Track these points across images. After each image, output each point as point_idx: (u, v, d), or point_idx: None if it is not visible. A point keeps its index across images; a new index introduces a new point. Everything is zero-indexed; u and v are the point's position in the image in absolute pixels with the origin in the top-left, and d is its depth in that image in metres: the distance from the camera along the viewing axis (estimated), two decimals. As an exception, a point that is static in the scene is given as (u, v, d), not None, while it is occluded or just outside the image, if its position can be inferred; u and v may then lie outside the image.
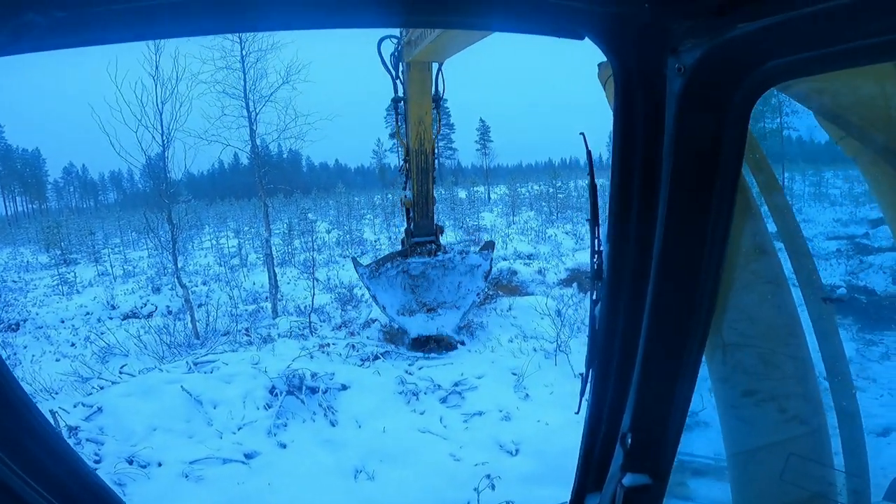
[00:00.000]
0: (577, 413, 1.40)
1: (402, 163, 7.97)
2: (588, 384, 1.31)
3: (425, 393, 6.05)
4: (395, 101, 7.62)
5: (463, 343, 7.99)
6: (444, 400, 6.02)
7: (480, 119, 59.39)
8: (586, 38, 0.98)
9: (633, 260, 1.10)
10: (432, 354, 7.50)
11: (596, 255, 1.23)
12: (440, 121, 7.66)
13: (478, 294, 8.17)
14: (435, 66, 7.23)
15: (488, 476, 4.04)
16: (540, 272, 12.84)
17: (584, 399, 1.38)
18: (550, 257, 15.34)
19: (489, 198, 36.83)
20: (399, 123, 7.80)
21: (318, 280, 13.85)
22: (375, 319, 9.62)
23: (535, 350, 7.56)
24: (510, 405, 5.89)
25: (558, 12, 0.94)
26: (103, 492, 1.29)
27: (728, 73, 0.89)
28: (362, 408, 5.57)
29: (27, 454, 1.10)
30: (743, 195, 1.19)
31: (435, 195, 8.09)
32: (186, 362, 6.51)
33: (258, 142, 11.59)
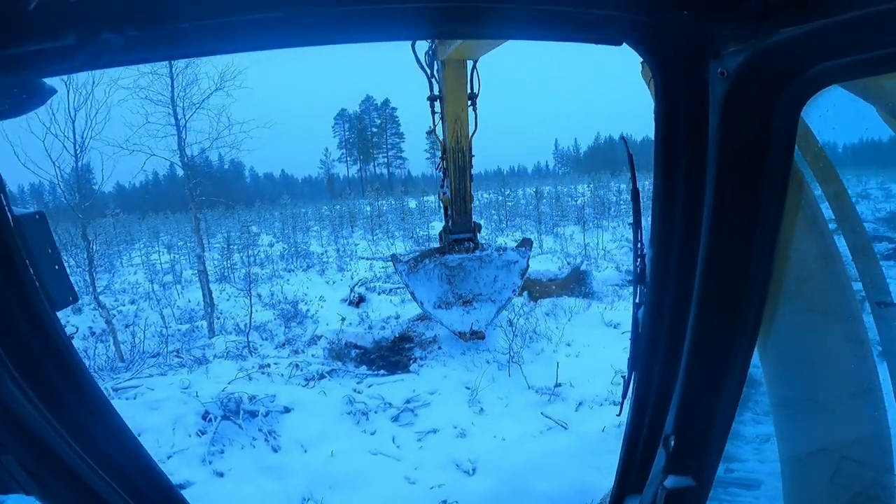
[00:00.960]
0: (619, 415, 1.41)
1: (439, 161, 7.93)
2: (630, 386, 1.32)
3: (375, 412, 5.71)
4: (431, 99, 7.56)
5: (440, 347, 7.85)
6: (395, 418, 5.70)
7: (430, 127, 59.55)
8: (624, 44, 0.99)
9: (678, 263, 1.09)
10: (381, 371, 7.16)
11: (639, 259, 1.23)
12: (476, 119, 7.57)
13: (513, 290, 8.02)
14: (469, 63, 7.17)
15: (444, 502, 3.77)
16: (491, 282, 12.76)
17: (625, 401, 1.38)
18: (501, 266, 15.33)
19: (439, 207, 36.69)
20: (435, 122, 7.73)
21: (259, 296, 13.11)
22: (321, 336, 9.15)
23: (487, 362, 7.40)
24: (465, 421, 5.66)
25: (595, 20, 0.95)
26: (167, 488, 1.38)
27: (774, 77, 0.88)
28: (308, 431, 5.16)
29: (98, 446, 1.19)
30: (800, 195, 1.17)
31: (472, 193, 7.97)
32: (105, 388, 5.83)
33: (188, 151, 10.83)
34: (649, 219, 1.20)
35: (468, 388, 6.53)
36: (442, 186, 7.85)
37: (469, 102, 7.31)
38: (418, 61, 7.18)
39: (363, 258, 18.38)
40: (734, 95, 0.89)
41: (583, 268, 12.35)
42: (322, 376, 6.64)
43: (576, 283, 11.19)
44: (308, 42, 1.03)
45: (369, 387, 6.47)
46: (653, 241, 1.13)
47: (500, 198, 28.53)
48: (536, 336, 8.30)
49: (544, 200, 24.90)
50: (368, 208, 31.13)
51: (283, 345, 8.98)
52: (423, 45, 7.20)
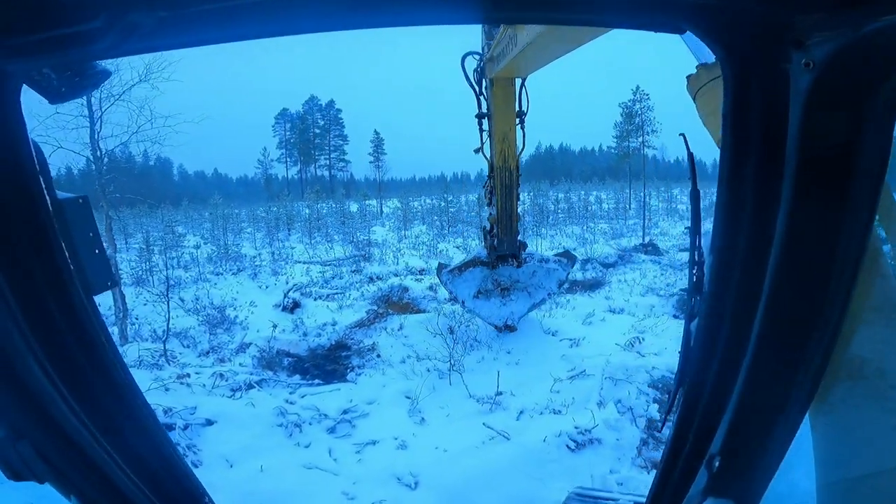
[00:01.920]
0: (661, 432, 1.36)
1: (486, 180, 7.77)
2: (676, 403, 1.25)
3: (310, 423, 5.35)
4: (479, 116, 7.39)
5: (379, 355, 7.62)
6: (332, 430, 5.37)
7: (375, 131, 59.04)
8: (688, 33, 0.91)
9: (743, 275, 1.00)
10: (317, 381, 6.76)
11: (696, 267, 1.14)
12: (524, 137, 7.42)
13: (548, 294, 8.21)
14: (518, 81, 7.01)
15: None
16: (431, 288, 12.56)
17: (668, 418, 1.31)
18: (442, 273, 15.22)
19: (381, 211, 36.26)
20: (483, 140, 7.51)
21: (182, 300, 12.14)
22: (251, 343, 8.57)
23: (428, 370, 7.19)
24: (405, 432, 5.42)
25: (655, 4, 0.89)
26: (194, 486, 1.40)
27: (871, 70, 0.79)
28: (233, 445, 4.72)
29: (122, 437, 1.18)
30: (887, 208, 1.08)
31: (519, 212, 7.90)
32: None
33: (103, 145, 9.87)
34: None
35: (408, 398, 6.30)
36: (489, 204, 7.81)
37: (517, 120, 7.22)
38: (467, 78, 7.13)
39: (300, 262, 17.63)
40: (821, 90, 0.80)
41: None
42: (250, 386, 6.16)
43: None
44: (345, 26, 0.98)
45: (303, 397, 6.07)
46: (714, 249, 1.03)
47: (443, 203, 28.57)
48: (477, 344, 8.21)
49: (485, 207, 25.16)
50: (307, 211, 30.12)
51: (207, 353, 8.33)
52: (470, 63, 7.18)
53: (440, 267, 8.63)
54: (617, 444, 5.21)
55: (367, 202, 34.20)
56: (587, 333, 8.70)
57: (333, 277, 14.79)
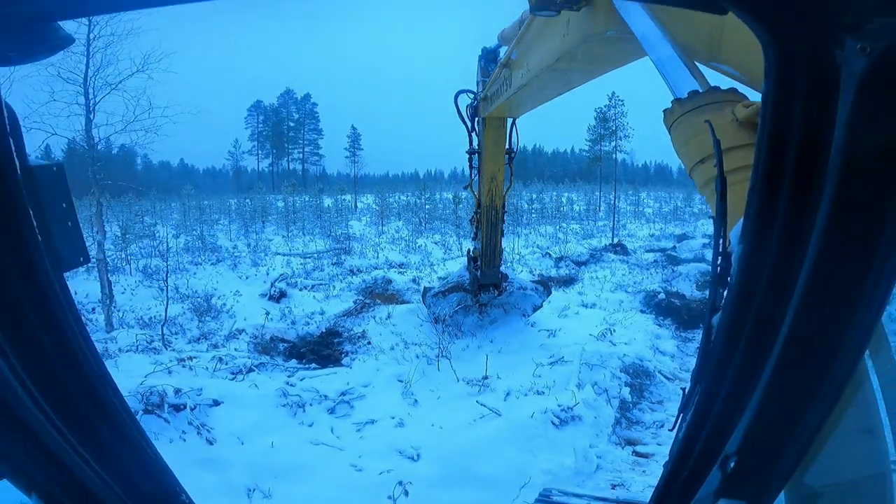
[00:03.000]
0: (672, 430, 1.29)
1: (473, 214, 8.03)
2: (692, 400, 1.19)
3: (311, 404, 5.65)
4: (470, 153, 7.54)
5: (370, 342, 7.91)
6: (332, 410, 5.69)
7: (352, 126, 58.49)
8: (730, 12, 0.84)
9: (775, 268, 0.95)
10: (313, 365, 7.06)
11: (722, 257, 1.08)
12: (512, 175, 7.61)
13: (523, 314, 8.69)
14: (509, 121, 7.10)
15: (400, 482, 3.89)
16: (414, 280, 12.94)
17: (682, 415, 1.25)
18: (422, 266, 15.58)
19: (356, 207, 36.23)
20: (472, 176, 7.72)
21: (161, 290, 12.13)
22: (242, 330, 8.77)
23: (417, 357, 7.58)
24: (401, 412, 5.80)
25: None
26: (168, 483, 1.27)
27: None
28: (242, 423, 4.99)
29: (98, 438, 1.07)
30: None
31: (503, 246, 8.29)
32: None
33: (97, 133, 9.84)
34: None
35: (401, 381, 6.66)
36: (474, 239, 8.10)
37: (506, 157, 7.41)
38: (460, 114, 7.24)
39: (279, 254, 17.68)
40: (878, 76, 0.76)
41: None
42: (250, 369, 6.41)
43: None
44: None
45: (302, 380, 6.36)
46: (745, 238, 0.98)
47: (419, 201, 28.85)
48: (461, 334, 8.63)
49: (461, 205, 25.59)
50: (281, 203, 29.89)
51: (198, 339, 8.48)
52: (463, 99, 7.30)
53: (425, 291, 9.06)
54: (595, 422, 5.74)
55: (342, 197, 34.12)
56: (563, 325, 9.28)
57: (314, 269, 14.96)
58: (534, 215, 30.25)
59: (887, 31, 0.73)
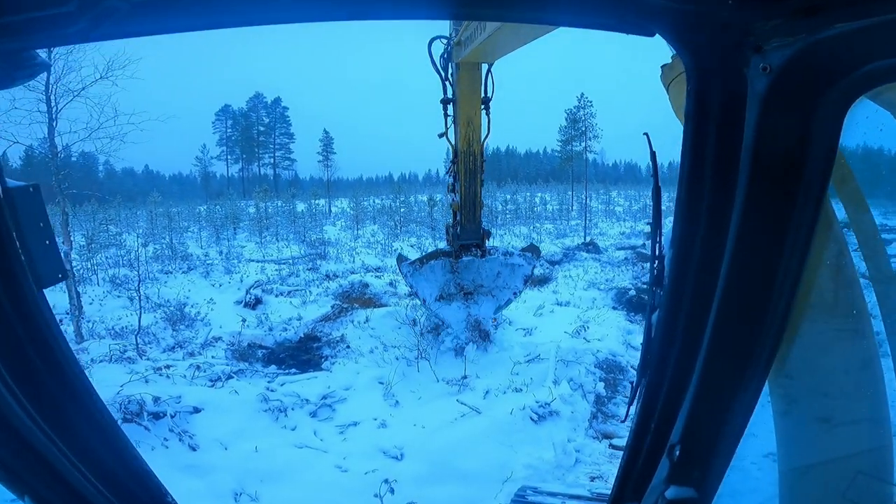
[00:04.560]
0: (624, 422, 1.34)
1: (449, 165, 7.68)
2: (638, 393, 1.26)
3: (293, 408, 5.68)
4: (444, 101, 7.33)
5: (349, 346, 7.76)
6: (314, 414, 5.73)
7: (324, 130, 57.92)
8: (657, 36, 0.94)
9: (699, 268, 1.04)
10: (293, 370, 7.05)
11: (657, 261, 1.16)
12: (490, 123, 7.37)
13: (514, 293, 7.96)
14: (484, 67, 6.99)
15: (386, 481, 3.97)
16: (391, 284, 12.98)
17: (631, 408, 1.32)
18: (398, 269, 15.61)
19: (330, 211, 35.96)
20: (447, 125, 7.46)
21: (131, 299, 11.83)
22: (219, 338, 8.67)
23: (396, 359, 7.65)
24: (383, 413, 5.88)
25: (627, 7, 0.91)
26: (154, 485, 1.33)
27: (822, 74, 0.84)
28: (224, 429, 4.99)
29: (84, 443, 1.11)
30: (826, 212, 1.10)
31: (483, 199, 7.78)
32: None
33: (59, 142, 9.56)
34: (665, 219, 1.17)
35: (381, 383, 6.73)
36: (451, 191, 7.72)
37: (482, 106, 7.25)
38: (433, 62, 7.09)
39: (252, 260, 17.43)
40: (776, 92, 0.85)
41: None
42: (229, 376, 6.38)
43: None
44: (321, 17, 0.99)
45: (282, 385, 6.37)
46: (674, 243, 1.06)
47: (394, 204, 28.84)
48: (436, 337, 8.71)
49: (436, 207, 25.72)
50: (253, 209, 29.44)
51: (174, 348, 8.33)
52: (437, 48, 7.15)
53: (400, 259, 8.56)
54: (572, 416, 5.93)
55: (315, 201, 33.82)
56: (538, 323, 9.51)
57: (290, 275, 14.83)
58: (508, 216, 30.61)
59: (783, 52, 0.84)
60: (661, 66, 1.52)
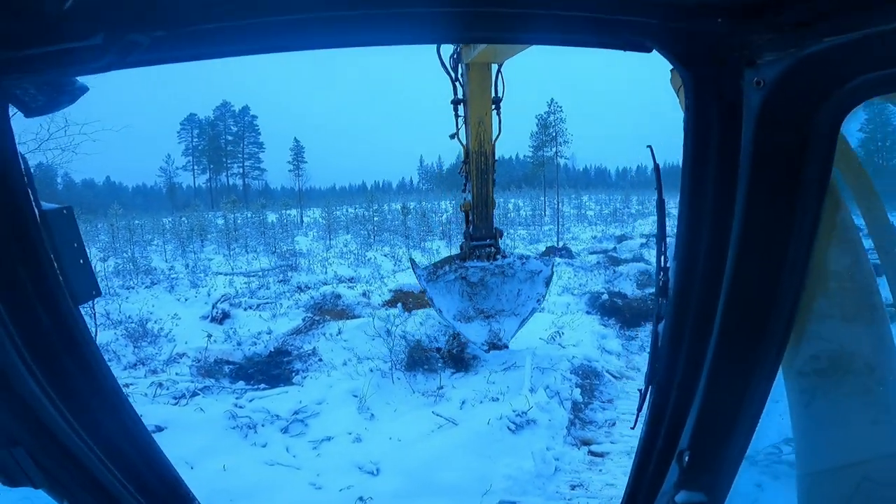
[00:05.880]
0: (633, 429, 1.37)
1: (462, 165, 7.62)
2: (647, 400, 1.28)
3: (263, 425, 5.46)
4: (455, 102, 7.31)
5: (321, 359, 7.62)
6: (285, 430, 5.52)
7: (295, 139, 57.20)
8: (654, 51, 0.98)
9: (704, 278, 1.06)
10: (262, 385, 6.80)
11: (662, 272, 1.18)
12: (500, 123, 7.36)
13: (538, 301, 7.68)
14: (494, 67, 6.99)
15: (361, 498, 3.82)
16: (364, 294, 12.78)
17: (640, 415, 1.35)
18: (372, 279, 15.39)
19: (302, 221, 35.37)
20: (458, 125, 7.42)
21: (95, 314, 11.29)
22: (183, 354, 8.32)
23: (371, 371, 7.48)
24: (358, 427, 5.71)
25: (625, 26, 0.95)
26: (183, 493, 1.39)
27: (815, 87, 0.86)
28: (189, 448, 4.75)
29: (111, 443, 1.17)
30: (836, 211, 1.12)
31: (495, 199, 7.74)
32: None
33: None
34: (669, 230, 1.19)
35: (355, 396, 6.55)
36: (464, 191, 7.67)
37: (493, 106, 7.27)
38: (443, 64, 7.09)
39: (220, 273, 16.92)
40: (770, 106, 0.88)
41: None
42: (194, 394, 6.10)
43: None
44: (329, 44, 1.06)
45: (251, 401, 6.11)
46: (678, 255, 1.09)
47: (367, 212, 28.58)
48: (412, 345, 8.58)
49: (410, 216, 25.60)
50: (221, 221, 28.71)
51: (135, 365, 7.95)
52: (447, 49, 7.08)
53: (413, 263, 8.29)
54: (550, 424, 5.88)
55: (286, 211, 33.24)
56: (514, 330, 9.46)
57: (260, 288, 14.44)
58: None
59: (776, 66, 0.86)
60: (671, 70, 1.54)
